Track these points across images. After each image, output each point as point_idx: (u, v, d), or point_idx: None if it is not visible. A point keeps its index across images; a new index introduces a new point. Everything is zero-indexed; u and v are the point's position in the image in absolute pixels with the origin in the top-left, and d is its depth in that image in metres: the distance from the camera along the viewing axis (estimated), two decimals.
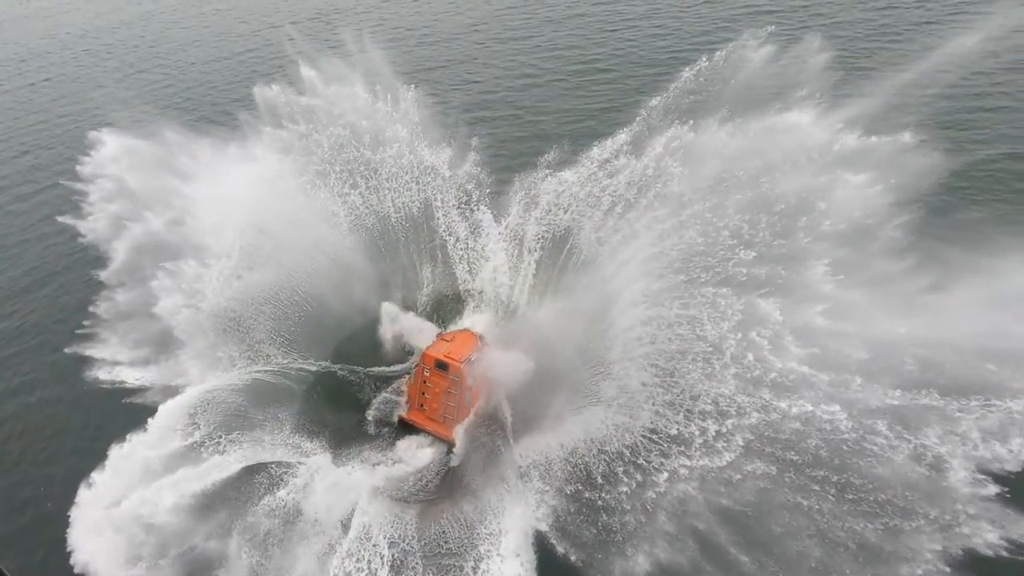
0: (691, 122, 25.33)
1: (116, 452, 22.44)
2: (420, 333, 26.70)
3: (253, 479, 22.20)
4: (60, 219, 33.68)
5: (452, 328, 26.74)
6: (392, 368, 27.22)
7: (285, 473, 22.48)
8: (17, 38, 75.13)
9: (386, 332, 27.26)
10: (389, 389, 26.44)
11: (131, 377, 27.11)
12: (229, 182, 30.04)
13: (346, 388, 26.55)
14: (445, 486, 23.19)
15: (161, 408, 23.38)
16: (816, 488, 18.19)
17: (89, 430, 26.91)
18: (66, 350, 29.26)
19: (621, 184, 26.13)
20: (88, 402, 27.65)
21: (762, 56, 26.95)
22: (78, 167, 32.90)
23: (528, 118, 45.21)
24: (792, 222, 22.04)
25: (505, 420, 23.90)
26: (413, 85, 34.12)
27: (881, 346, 19.31)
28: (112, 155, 31.94)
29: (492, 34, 58.50)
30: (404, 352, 27.29)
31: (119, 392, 26.67)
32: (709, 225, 22.75)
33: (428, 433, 24.56)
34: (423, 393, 24.48)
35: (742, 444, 19.28)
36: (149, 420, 22.78)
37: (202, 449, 22.66)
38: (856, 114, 23.63)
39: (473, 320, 27.51)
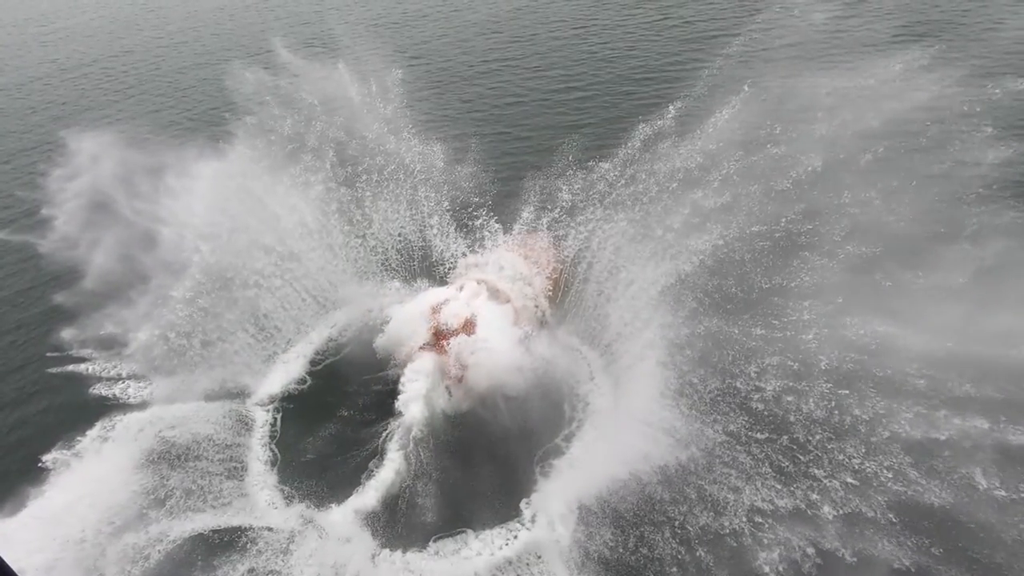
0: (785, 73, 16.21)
1: None
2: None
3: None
4: (28, 238, 26.46)
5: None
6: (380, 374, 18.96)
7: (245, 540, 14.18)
8: (16, 65, 64.07)
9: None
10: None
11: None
12: (192, 187, 22.73)
13: (329, 409, 18.31)
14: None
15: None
16: None
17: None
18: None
19: (680, 156, 16.74)
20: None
21: (823, 15, 18.35)
22: (55, 181, 26.62)
23: (520, 134, 36.48)
24: (928, 201, 13.12)
25: (502, 409, 16.94)
26: (399, 69, 25.18)
27: None
28: (93, 169, 25.56)
29: (479, 56, 50.14)
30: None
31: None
32: (817, 203, 13.51)
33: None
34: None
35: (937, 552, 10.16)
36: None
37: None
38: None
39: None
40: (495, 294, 18.23)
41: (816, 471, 11.66)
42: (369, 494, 15.51)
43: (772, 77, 16.83)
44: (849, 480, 11.51)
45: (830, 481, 11.44)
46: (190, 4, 70.78)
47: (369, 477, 16.01)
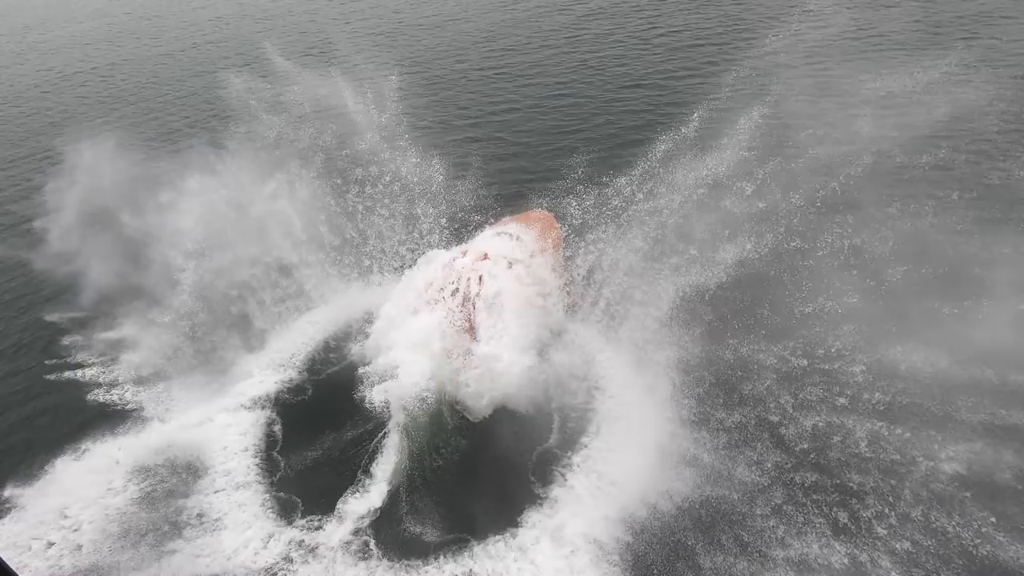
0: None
1: None
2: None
3: None
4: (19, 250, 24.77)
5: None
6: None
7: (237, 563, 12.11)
8: (15, 73, 61.33)
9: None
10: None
11: None
12: (187, 199, 20.82)
13: (324, 420, 15.76)
14: None
15: None
16: None
17: None
18: None
19: (706, 165, 14.61)
20: None
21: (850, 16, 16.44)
22: (51, 192, 25.35)
23: (519, 140, 34.05)
24: (987, 215, 11.18)
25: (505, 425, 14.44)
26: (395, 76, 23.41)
27: None
28: (90, 179, 24.47)
29: (473, 63, 48.25)
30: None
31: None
32: (864, 214, 11.53)
33: None
34: None
35: None
36: None
37: None
38: None
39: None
40: (500, 266, 14.97)
41: (878, 528, 9.60)
42: (366, 502, 13.52)
43: (806, 79, 14.88)
44: (915, 536, 9.51)
45: (898, 542, 9.31)
46: (188, 14, 68.69)
47: (367, 483, 13.87)
